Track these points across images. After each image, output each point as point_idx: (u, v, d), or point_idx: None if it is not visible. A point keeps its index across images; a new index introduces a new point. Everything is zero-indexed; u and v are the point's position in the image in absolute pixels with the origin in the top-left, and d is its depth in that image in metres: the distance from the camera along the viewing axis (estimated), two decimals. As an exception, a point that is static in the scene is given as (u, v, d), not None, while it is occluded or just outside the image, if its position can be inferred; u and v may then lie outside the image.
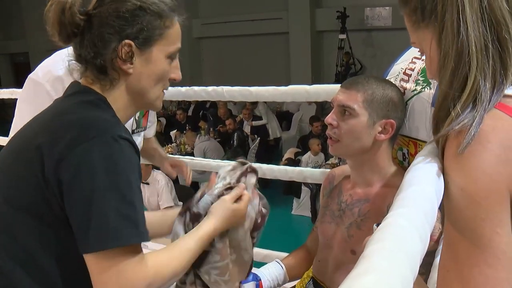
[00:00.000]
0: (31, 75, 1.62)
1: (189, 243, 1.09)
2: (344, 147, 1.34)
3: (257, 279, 1.46)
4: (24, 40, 15.44)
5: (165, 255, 1.03)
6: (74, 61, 1.10)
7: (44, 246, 0.97)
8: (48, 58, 1.66)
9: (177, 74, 1.14)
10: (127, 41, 1.02)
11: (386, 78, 1.49)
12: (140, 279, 0.93)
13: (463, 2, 0.78)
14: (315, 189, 5.72)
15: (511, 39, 0.78)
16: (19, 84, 2.02)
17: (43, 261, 0.97)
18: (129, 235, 0.91)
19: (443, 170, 0.77)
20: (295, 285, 1.63)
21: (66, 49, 1.67)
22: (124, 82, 1.06)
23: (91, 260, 0.91)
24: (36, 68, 1.63)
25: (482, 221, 0.71)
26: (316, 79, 10.40)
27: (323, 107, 9.26)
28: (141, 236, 0.93)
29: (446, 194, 0.75)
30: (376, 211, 1.32)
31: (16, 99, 1.73)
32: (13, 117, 1.63)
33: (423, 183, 0.67)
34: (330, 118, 1.36)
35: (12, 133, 1.59)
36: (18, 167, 0.99)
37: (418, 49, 0.94)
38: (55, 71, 1.58)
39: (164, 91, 1.15)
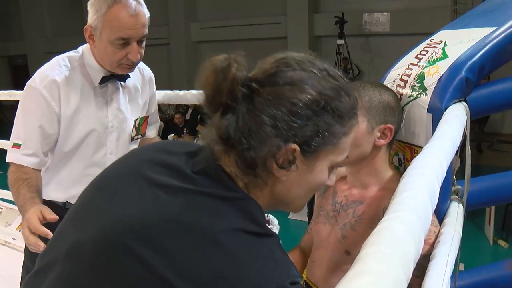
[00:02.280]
0: (29, 82, 1.66)
1: None
2: None
3: None
4: (23, 42, 15.47)
5: None
6: (215, 139, 0.81)
7: None
8: (46, 63, 1.70)
9: (332, 181, 0.89)
10: (293, 146, 0.77)
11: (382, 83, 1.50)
12: None
13: None
14: (312, 193, 5.72)
15: None
16: (17, 86, 2.05)
17: None
18: None
19: None
20: None
21: (64, 54, 1.70)
22: (271, 186, 0.82)
23: None
24: (34, 74, 1.67)
25: None
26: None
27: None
28: None
29: None
30: (371, 213, 1.33)
31: (14, 101, 1.75)
32: (12, 122, 1.66)
33: (418, 188, 0.68)
34: None
35: (15, 139, 1.64)
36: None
37: None
38: (51, 76, 1.63)
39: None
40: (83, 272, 0.74)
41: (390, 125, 1.32)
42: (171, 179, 0.77)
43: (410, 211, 0.59)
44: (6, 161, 1.66)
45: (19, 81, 15.41)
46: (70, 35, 15.03)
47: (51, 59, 1.70)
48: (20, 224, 3.58)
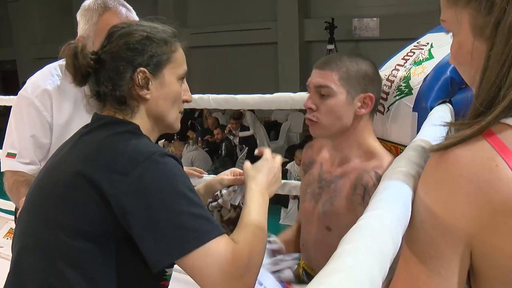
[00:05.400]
0: (21, 92, 1.66)
1: (255, 219, 1.11)
2: (326, 127, 1.34)
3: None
4: (12, 48, 15.37)
5: (244, 234, 1.05)
6: (92, 99, 1.15)
7: (105, 270, 1.01)
8: (37, 72, 1.71)
9: (188, 96, 1.22)
10: (141, 68, 1.09)
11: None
12: (239, 257, 0.97)
13: None
14: (302, 198, 5.72)
15: None
16: (6, 91, 2.05)
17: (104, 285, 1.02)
18: (211, 230, 0.97)
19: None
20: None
21: (55, 62, 1.69)
22: (143, 109, 1.12)
23: (185, 264, 0.95)
24: (26, 84, 1.67)
25: (429, 258, 0.67)
26: (304, 89, 10.40)
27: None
28: (219, 229, 0.99)
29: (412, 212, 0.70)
30: (348, 186, 1.33)
31: (2, 107, 1.76)
32: (2, 128, 1.66)
33: (399, 187, 0.68)
34: (308, 102, 1.35)
35: (9, 149, 1.66)
36: (68, 199, 1.01)
37: (447, 29, 0.80)
38: (43, 85, 1.63)
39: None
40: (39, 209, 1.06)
41: (370, 94, 1.32)
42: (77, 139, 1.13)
43: (389, 209, 0.58)
44: (1, 170, 1.67)
45: (8, 87, 15.35)
46: (60, 41, 14.94)
47: (42, 67, 1.71)
48: (8, 232, 3.54)
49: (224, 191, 1.39)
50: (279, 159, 1.30)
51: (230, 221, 1.35)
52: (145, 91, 1.10)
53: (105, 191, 0.96)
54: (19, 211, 1.20)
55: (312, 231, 1.45)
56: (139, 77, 1.09)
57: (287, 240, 1.57)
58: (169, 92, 1.14)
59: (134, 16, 1.63)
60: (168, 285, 1.15)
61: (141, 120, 1.12)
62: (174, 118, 1.20)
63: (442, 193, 0.66)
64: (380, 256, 0.47)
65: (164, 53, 1.13)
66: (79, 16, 1.61)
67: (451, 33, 0.79)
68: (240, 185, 1.39)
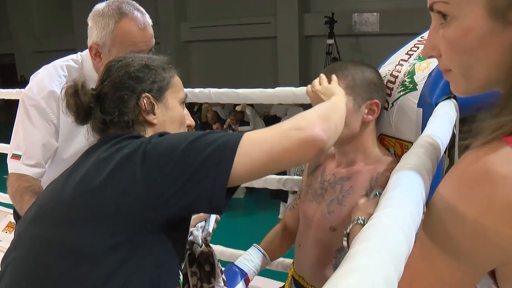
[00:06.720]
0: (26, 91, 1.63)
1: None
2: None
3: (243, 274, 1.47)
4: (10, 41, 15.34)
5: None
6: (95, 128, 1.15)
7: (126, 273, 0.97)
8: (43, 69, 1.67)
9: (190, 120, 1.27)
10: (145, 94, 1.13)
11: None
12: (282, 123, 1.06)
13: None
14: (302, 193, 5.72)
15: None
16: (5, 84, 2.04)
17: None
18: (236, 134, 1.02)
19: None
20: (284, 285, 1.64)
21: (62, 61, 1.67)
22: (151, 133, 1.13)
23: (245, 163, 0.97)
24: (31, 83, 1.64)
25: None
26: (304, 84, 10.32)
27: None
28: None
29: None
30: (359, 186, 1.36)
31: (1, 100, 1.74)
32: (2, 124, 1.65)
33: (410, 184, 0.67)
34: None
35: (14, 150, 1.63)
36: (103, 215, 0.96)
37: (442, 11, 0.66)
38: (50, 86, 1.60)
39: None
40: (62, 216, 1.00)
41: (376, 100, 1.35)
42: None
43: (401, 207, 0.57)
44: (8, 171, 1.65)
45: (6, 80, 15.32)
46: (58, 35, 14.95)
47: (41, 61, 1.67)
48: (7, 226, 3.53)
49: (192, 229, 1.37)
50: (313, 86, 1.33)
51: (203, 256, 1.34)
52: (151, 116, 1.14)
53: (130, 176, 0.96)
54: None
55: (311, 231, 1.46)
56: (145, 102, 1.12)
57: (271, 248, 1.59)
58: (174, 115, 1.19)
59: (147, 19, 1.60)
60: None
61: None
62: None
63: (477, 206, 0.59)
64: (395, 257, 0.46)
65: (164, 79, 1.17)
66: (91, 21, 1.57)
67: (442, 22, 0.67)
68: (207, 218, 1.42)
